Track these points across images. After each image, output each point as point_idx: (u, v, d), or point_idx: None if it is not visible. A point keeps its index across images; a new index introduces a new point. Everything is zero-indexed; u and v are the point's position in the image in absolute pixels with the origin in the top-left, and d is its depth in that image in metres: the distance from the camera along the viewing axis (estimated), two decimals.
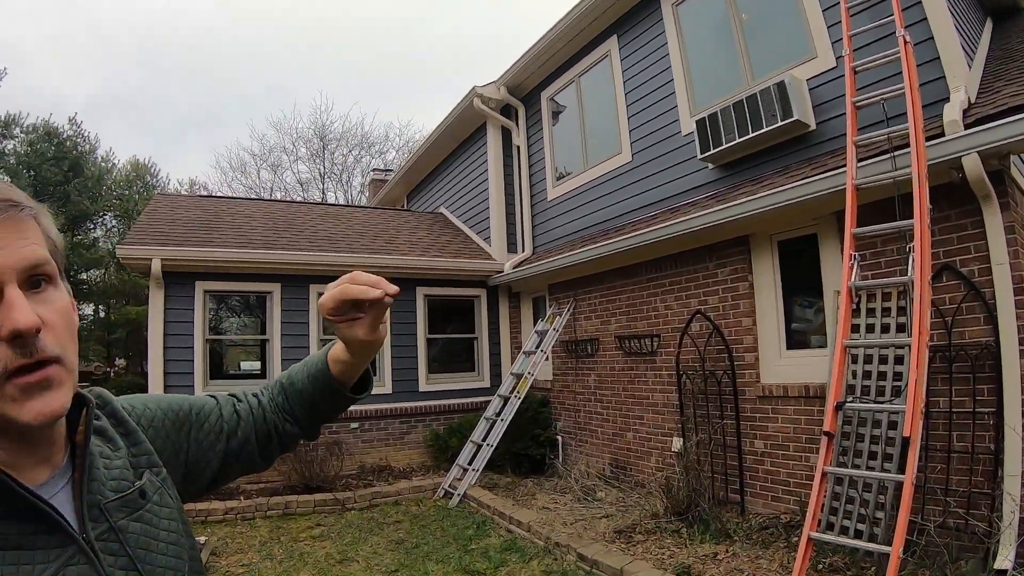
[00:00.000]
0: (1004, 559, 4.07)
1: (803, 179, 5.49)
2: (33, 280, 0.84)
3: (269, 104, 57.27)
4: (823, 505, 5.03)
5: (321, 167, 34.13)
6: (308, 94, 57.17)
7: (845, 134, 5.10)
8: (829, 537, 4.52)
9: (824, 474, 4.15)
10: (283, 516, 7.54)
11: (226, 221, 10.66)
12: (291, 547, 6.41)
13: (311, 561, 5.99)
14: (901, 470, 4.28)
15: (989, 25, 7.51)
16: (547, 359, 9.42)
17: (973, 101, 4.92)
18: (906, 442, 3.84)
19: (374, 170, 22.66)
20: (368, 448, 9.57)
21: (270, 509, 7.61)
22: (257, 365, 10.10)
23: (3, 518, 0.81)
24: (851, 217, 4.69)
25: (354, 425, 9.49)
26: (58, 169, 22.75)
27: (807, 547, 3.97)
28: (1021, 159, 4.97)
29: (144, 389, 8.98)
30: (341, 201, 31.86)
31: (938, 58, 5.08)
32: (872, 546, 4.31)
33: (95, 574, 0.86)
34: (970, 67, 5.25)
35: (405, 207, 16.63)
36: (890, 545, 3.65)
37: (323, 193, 33.51)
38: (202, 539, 6.02)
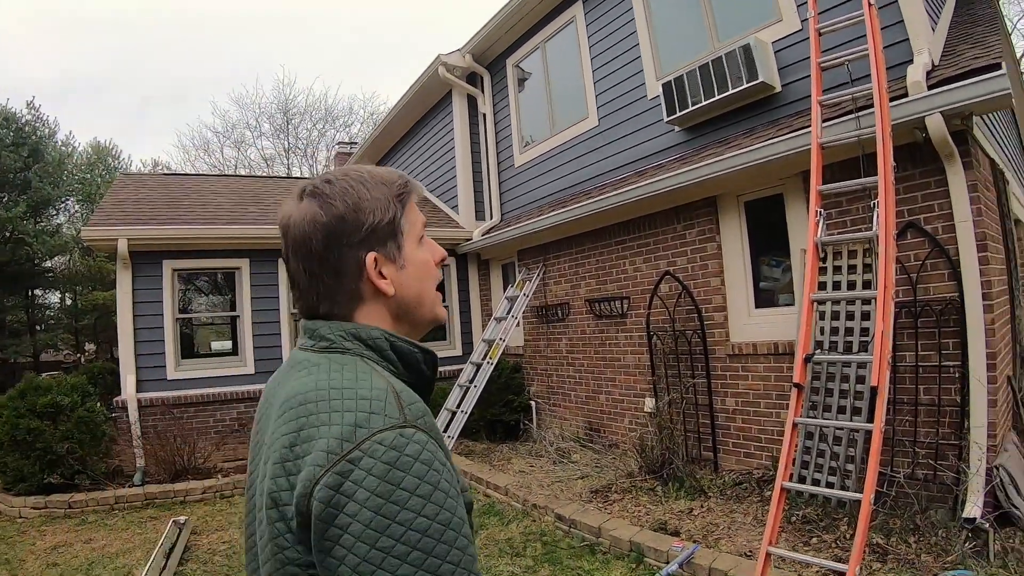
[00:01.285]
0: (972, 507, 4.16)
1: (769, 140, 5.47)
2: None
3: (232, 80, 55.88)
4: (795, 459, 5.10)
5: (286, 142, 33.58)
6: (271, 68, 55.93)
7: (810, 96, 5.05)
8: (802, 486, 4.60)
9: (795, 425, 4.16)
10: None
11: (192, 198, 10.43)
12: None
13: None
14: (870, 420, 4.33)
15: None
16: (518, 325, 9.40)
17: (937, 63, 4.91)
18: (874, 391, 3.85)
19: (339, 143, 22.28)
20: None
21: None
22: (229, 344, 9.90)
23: None
24: (816, 174, 4.67)
25: None
26: (17, 155, 21.73)
27: (780, 497, 4.00)
28: (984, 120, 5.00)
29: (116, 375, 8.81)
30: (307, 176, 31.35)
31: (902, 21, 5.04)
32: (843, 494, 4.38)
33: None
34: (934, 30, 5.23)
35: None
36: (861, 493, 3.70)
37: (288, 169, 32.96)
38: (182, 519, 5.96)
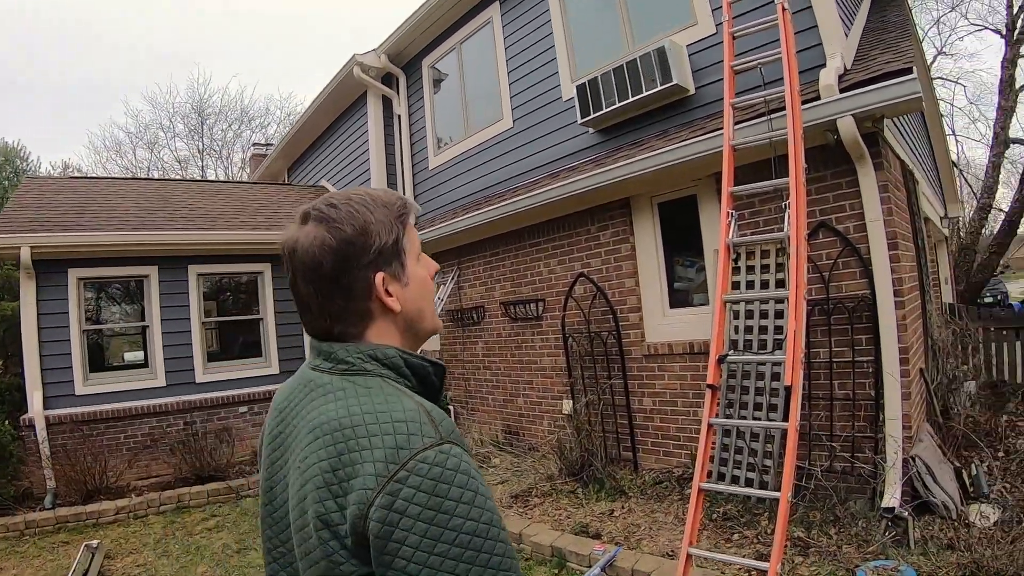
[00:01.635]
0: (890, 498, 4.15)
1: (681, 142, 5.37)
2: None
3: (144, 78, 52.89)
4: (713, 457, 5.01)
5: (200, 143, 31.89)
6: (186, 66, 53.37)
7: (723, 98, 5.02)
8: (720, 487, 4.49)
9: (710, 426, 4.07)
10: (177, 510, 6.91)
11: (99, 203, 9.63)
12: (187, 542, 5.87)
13: (208, 554, 5.50)
14: (785, 419, 4.28)
15: None
16: None
17: (849, 67, 4.91)
18: (788, 390, 3.82)
19: (254, 144, 21.40)
20: (259, 432, 8.92)
21: (163, 504, 6.94)
22: (140, 355, 9.20)
23: None
24: (728, 176, 4.59)
25: (243, 409, 8.82)
26: None
27: (699, 497, 3.88)
28: (895, 122, 5.04)
29: (24, 391, 8.15)
30: (221, 178, 29.85)
31: (816, 26, 5.02)
32: (760, 492, 4.32)
33: None
34: (847, 35, 5.25)
35: (286, 181, 15.76)
36: (779, 491, 3.62)
37: (202, 171, 31.35)
38: (95, 543, 5.45)
